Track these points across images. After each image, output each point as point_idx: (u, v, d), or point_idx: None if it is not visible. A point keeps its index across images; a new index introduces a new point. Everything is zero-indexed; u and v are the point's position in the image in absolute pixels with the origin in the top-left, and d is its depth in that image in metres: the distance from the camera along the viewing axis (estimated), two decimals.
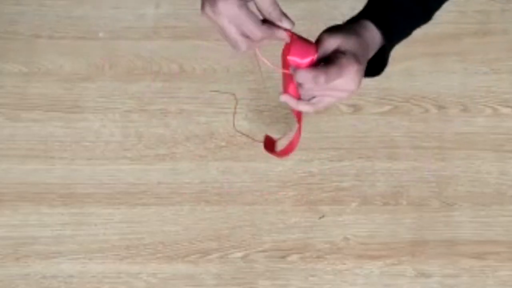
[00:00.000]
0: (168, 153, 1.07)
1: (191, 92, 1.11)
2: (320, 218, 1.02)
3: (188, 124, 1.09)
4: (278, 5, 0.73)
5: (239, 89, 1.10)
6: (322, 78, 0.73)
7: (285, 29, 0.74)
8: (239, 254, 1.00)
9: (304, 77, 0.73)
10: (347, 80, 0.74)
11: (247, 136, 1.04)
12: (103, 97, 1.11)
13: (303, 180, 1.05)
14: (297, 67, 0.75)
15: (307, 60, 0.75)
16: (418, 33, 1.14)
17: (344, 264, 0.99)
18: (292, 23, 0.74)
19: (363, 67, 0.76)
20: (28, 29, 1.15)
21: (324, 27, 1.22)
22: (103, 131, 1.08)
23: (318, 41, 0.75)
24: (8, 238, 1.01)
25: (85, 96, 1.11)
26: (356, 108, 1.10)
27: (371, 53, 0.79)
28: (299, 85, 0.76)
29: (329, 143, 1.07)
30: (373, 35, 0.79)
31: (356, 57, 0.75)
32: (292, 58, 0.75)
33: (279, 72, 0.78)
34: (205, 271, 0.99)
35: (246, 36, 0.73)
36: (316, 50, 0.76)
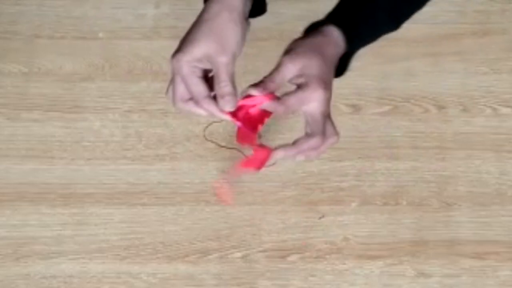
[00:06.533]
0: (168, 153, 1.07)
1: None
2: (320, 218, 1.02)
3: (188, 124, 1.09)
4: (231, 83, 0.72)
5: (239, 89, 1.10)
6: (280, 109, 0.72)
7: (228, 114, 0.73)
8: (239, 254, 1.00)
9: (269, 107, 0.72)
10: (316, 105, 0.72)
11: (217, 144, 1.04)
12: (103, 97, 1.11)
13: (303, 180, 1.05)
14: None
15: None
16: (418, 33, 1.14)
17: (344, 264, 0.99)
18: (232, 108, 0.73)
19: (330, 90, 0.74)
20: (28, 29, 1.15)
21: None
22: (103, 131, 1.08)
23: (279, 65, 0.73)
24: (8, 238, 1.01)
25: (85, 96, 1.11)
26: (356, 108, 1.10)
27: (334, 62, 0.77)
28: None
29: None
30: (337, 42, 0.77)
31: (322, 83, 0.72)
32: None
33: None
34: (205, 271, 0.99)
35: (184, 99, 0.73)
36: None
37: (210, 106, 0.73)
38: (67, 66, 1.13)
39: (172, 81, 0.74)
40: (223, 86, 0.72)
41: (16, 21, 1.16)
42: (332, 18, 0.79)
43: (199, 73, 0.73)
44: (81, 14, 1.17)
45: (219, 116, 0.74)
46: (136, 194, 1.04)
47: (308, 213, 1.02)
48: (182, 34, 1.16)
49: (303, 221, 1.02)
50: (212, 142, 1.04)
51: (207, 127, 1.06)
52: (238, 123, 0.74)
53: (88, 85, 1.12)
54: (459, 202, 1.03)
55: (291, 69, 0.73)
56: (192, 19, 1.17)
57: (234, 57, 0.72)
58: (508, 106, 1.10)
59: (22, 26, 1.15)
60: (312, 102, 0.72)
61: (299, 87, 0.73)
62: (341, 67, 0.79)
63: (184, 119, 1.09)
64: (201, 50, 0.72)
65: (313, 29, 0.78)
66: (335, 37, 0.77)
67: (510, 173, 1.05)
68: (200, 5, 1.19)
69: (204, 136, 1.05)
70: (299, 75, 0.73)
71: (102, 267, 0.99)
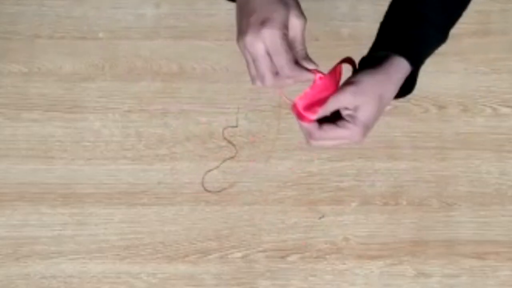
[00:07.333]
0: (168, 153, 1.07)
1: (191, 92, 1.11)
2: (320, 218, 1.02)
3: (188, 124, 1.09)
4: (306, 47, 0.75)
5: (239, 89, 1.10)
6: (316, 135, 0.76)
7: (313, 71, 0.75)
8: (239, 254, 1.00)
9: (305, 128, 0.76)
10: (348, 135, 0.77)
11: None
12: (103, 97, 1.11)
13: (303, 180, 1.05)
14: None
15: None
16: None
17: (344, 264, 0.99)
18: (316, 65, 0.76)
19: (368, 131, 0.79)
20: (28, 29, 1.15)
21: (324, 27, 1.23)
22: (103, 131, 1.08)
23: (340, 92, 0.76)
24: (8, 238, 1.01)
25: (85, 96, 1.11)
26: None
27: (398, 86, 0.81)
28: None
29: None
30: (404, 71, 0.81)
31: (364, 128, 0.77)
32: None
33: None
34: (205, 271, 0.99)
35: (274, 73, 0.74)
36: (336, 84, 0.77)
37: (300, 70, 0.74)
38: (67, 66, 1.13)
39: (252, 63, 0.75)
40: (302, 48, 0.74)
41: (16, 21, 1.16)
42: (393, 46, 0.81)
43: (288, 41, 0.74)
44: (81, 14, 1.17)
45: (308, 77, 0.75)
46: (136, 194, 1.04)
47: (308, 213, 1.02)
48: (182, 34, 1.17)
49: (303, 221, 1.02)
50: (229, 141, 1.04)
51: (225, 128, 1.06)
52: (322, 75, 0.75)
53: (88, 85, 1.12)
54: (459, 202, 1.03)
55: (349, 101, 0.76)
56: (192, 18, 1.18)
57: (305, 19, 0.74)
58: (508, 106, 1.10)
59: (22, 26, 1.15)
60: (346, 139, 0.78)
61: (342, 118, 0.77)
62: (408, 85, 0.84)
63: (184, 119, 1.09)
64: (281, 18, 0.72)
65: (376, 55, 0.81)
66: (401, 67, 0.80)
67: (510, 173, 1.05)
68: (200, 5, 1.19)
69: (224, 136, 1.05)
70: (350, 110, 0.77)
71: (102, 267, 0.99)
